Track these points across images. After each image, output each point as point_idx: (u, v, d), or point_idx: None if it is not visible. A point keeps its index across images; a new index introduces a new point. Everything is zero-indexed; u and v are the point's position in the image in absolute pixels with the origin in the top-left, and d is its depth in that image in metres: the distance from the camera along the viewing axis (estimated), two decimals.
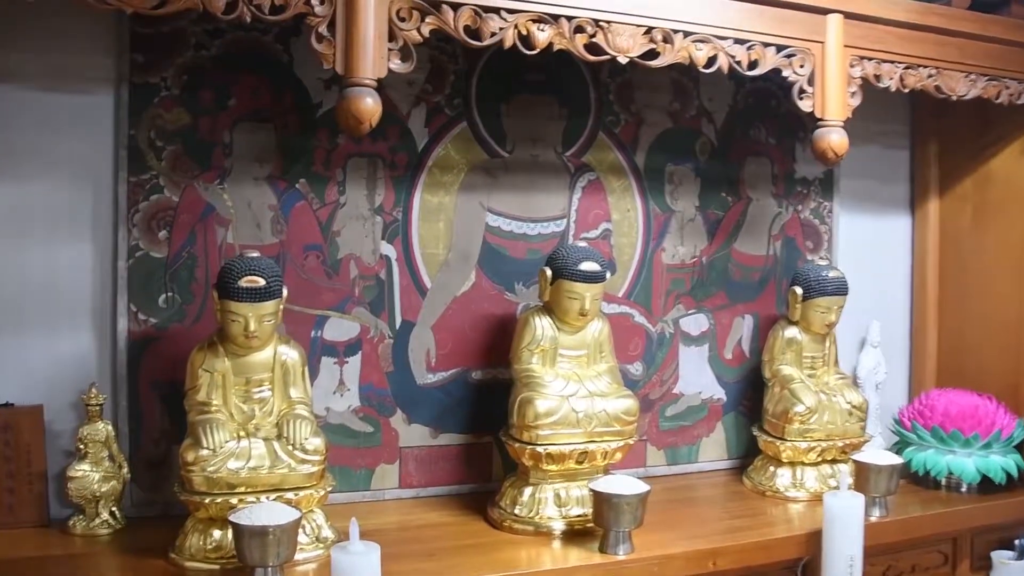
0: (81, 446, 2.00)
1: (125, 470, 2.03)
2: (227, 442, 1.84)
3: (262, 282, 1.86)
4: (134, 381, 2.09)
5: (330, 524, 1.94)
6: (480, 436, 2.31)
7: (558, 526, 2.03)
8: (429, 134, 2.25)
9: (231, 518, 1.70)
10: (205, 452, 1.81)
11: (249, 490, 1.83)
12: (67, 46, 2.04)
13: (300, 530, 1.83)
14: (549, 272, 2.10)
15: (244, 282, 1.85)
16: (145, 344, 2.09)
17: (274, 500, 1.80)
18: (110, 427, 2.02)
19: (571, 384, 2.09)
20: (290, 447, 1.86)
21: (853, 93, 2.08)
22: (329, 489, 1.92)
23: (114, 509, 2.02)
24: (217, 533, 1.82)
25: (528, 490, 2.07)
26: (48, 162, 2.04)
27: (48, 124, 2.04)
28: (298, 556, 1.82)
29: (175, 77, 2.07)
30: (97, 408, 2.01)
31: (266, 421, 1.93)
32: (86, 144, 2.06)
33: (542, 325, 2.12)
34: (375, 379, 2.23)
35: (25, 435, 2.02)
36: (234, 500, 1.80)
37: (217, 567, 1.81)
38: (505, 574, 1.85)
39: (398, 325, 2.24)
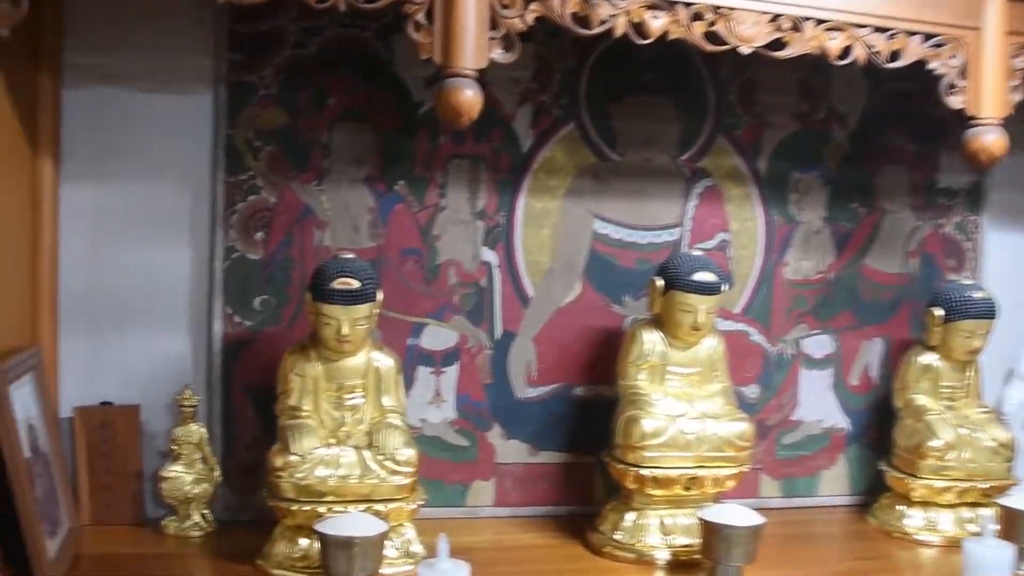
0: (174, 447, 1.96)
1: (217, 473, 1.99)
2: (316, 448, 1.76)
3: (356, 284, 1.79)
4: (228, 384, 2.05)
5: (420, 539, 1.85)
6: (581, 456, 2.19)
7: (662, 556, 1.90)
8: (535, 135, 2.15)
9: (317, 527, 1.63)
10: (294, 458, 1.75)
11: (337, 499, 1.76)
12: (167, 47, 2.03)
13: (388, 544, 1.74)
14: (660, 282, 1.96)
15: (337, 284, 1.78)
16: (240, 347, 2.05)
17: (362, 511, 1.72)
18: (203, 429, 1.98)
19: (681, 404, 1.95)
20: (380, 457, 1.78)
21: (1015, 87, 1.83)
22: (420, 503, 1.83)
23: (205, 512, 1.98)
24: (304, 542, 1.76)
25: (631, 515, 1.94)
26: (148, 163, 2.03)
27: (148, 125, 2.03)
28: (385, 570, 1.74)
29: (273, 76, 2.03)
30: (191, 409, 1.97)
31: (357, 429, 1.85)
32: (185, 145, 2.04)
33: (651, 340, 1.99)
34: (473, 391, 2.14)
35: (121, 434, 2.00)
36: (322, 509, 1.73)
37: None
38: None
39: (498, 335, 2.15)
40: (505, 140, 2.13)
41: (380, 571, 1.70)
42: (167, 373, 2.05)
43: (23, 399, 1.73)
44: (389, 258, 2.09)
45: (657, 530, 1.92)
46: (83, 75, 1.99)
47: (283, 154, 2.05)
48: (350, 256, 1.84)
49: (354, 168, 2.08)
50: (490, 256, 2.14)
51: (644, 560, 1.89)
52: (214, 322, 2.04)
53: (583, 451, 2.18)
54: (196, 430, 1.98)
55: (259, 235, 2.05)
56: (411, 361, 2.11)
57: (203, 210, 2.06)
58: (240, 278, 2.04)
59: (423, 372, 2.12)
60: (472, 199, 2.12)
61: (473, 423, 2.14)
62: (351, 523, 1.63)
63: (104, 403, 2.02)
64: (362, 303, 1.80)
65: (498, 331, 2.15)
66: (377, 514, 1.73)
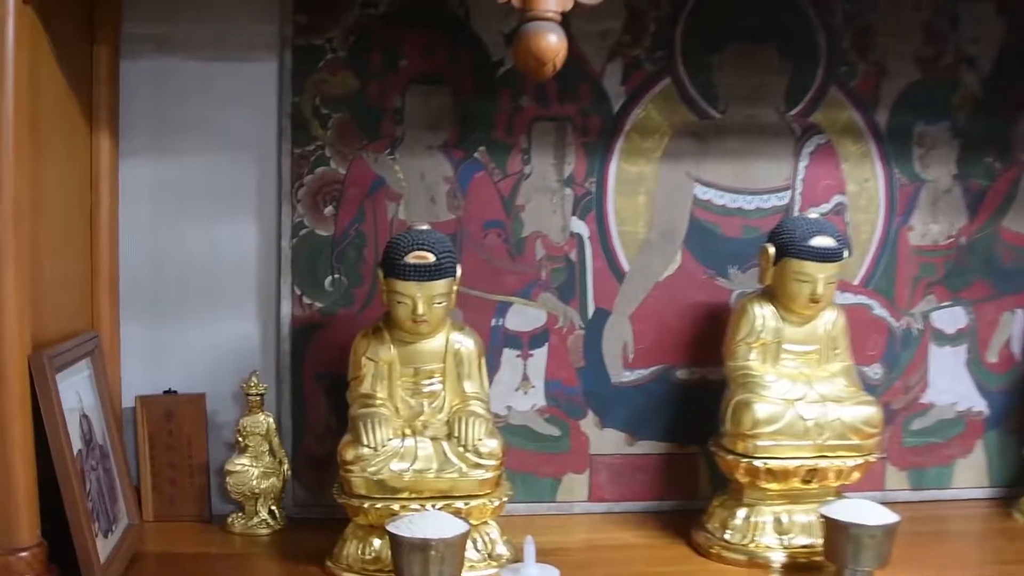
0: (240, 439, 1.82)
1: (286, 466, 1.84)
2: (390, 440, 1.59)
3: (432, 258, 1.61)
4: (298, 371, 1.90)
5: (506, 540, 1.67)
6: (684, 446, 1.98)
7: (778, 557, 1.68)
8: (626, 93, 1.94)
9: (388, 527, 1.46)
10: (366, 450, 1.58)
11: (413, 496, 1.59)
12: (228, 13, 1.88)
13: (469, 545, 1.57)
14: (772, 249, 1.74)
15: (411, 258, 1.61)
16: (310, 331, 1.89)
17: (440, 509, 1.55)
18: (271, 419, 1.83)
19: (798, 386, 1.73)
20: (461, 448, 1.60)
21: None
22: (505, 499, 1.65)
23: (273, 508, 1.83)
24: (377, 543, 1.60)
25: (742, 512, 1.73)
26: (209, 136, 1.90)
27: (209, 96, 1.89)
28: (466, 575, 1.56)
29: (341, 38, 1.87)
30: (257, 398, 1.82)
31: (436, 418, 1.68)
32: (248, 115, 1.90)
33: (763, 314, 1.77)
34: (564, 375, 1.95)
35: (187, 425, 1.87)
36: (395, 506, 1.57)
37: None
38: None
39: (591, 314, 1.95)
40: (594, 99, 1.93)
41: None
42: (233, 359, 1.92)
43: (77, 387, 1.60)
44: (469, 231, 1.91)
45: (772, 529, 1.71)
46: (141, 45, 1.87)
47: (353, 122, 1.89)
48: (425, 228, 1.67)
49: (430, 134, 1.91)
50: (580, 227, 1.94)
51: (757, 562, 1.68)
52: (282, 304, 1.89)
53: (686, 440, 1.98)
54: (263, 420, 1.83)
55: (328, 209, 1.89)
56: (495, 344, 1.93)
57: (269, 184, 1.91)
58: (309, 256, 1.89)
59: (509, 355, 1.94)
60: (559, 165, 1.93)
61: (564, 411, 1.95)
62: (428, 523, 1.46)
63: (168, 392, 1.90)
64: (439, 279, 1.62)
65: (590, 309, 1.95)
66: (457, 512, 1.56)
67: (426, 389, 1.70)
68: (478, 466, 1.61)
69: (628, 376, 1.97)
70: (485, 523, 1.66)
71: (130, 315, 1.90)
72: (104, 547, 1.54)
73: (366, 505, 1.58)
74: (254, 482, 1.81)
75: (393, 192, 1.90)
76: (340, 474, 1.61)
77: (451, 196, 1.91)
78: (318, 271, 1.89)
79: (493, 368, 1.92)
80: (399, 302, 1.63)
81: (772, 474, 1.67)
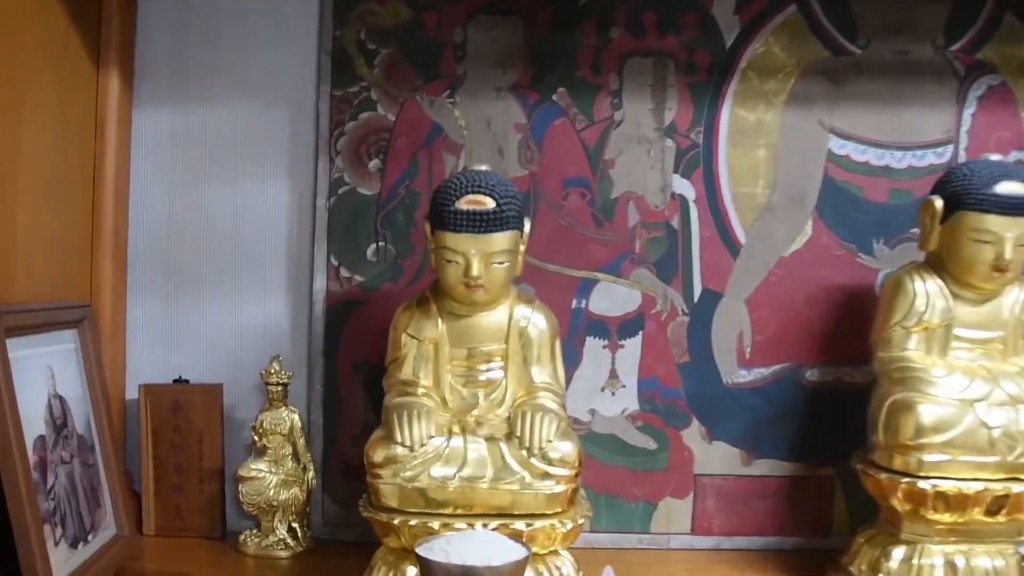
0: (257, 438, 1.46)
1: (311, 474, 1.49)
2: (432, 438, 1.22)
3: (491, 203, 1.25)
4: (332, 359, 1.55)
5: (582, 574, 1.26)
6: (815, 467, 1.56)
7: None
8: (742, 24, 1.56)
9: (419, 550, 1.08)
10: (400, 450, 1.22)
11: (460, 512, 1.22)
12: None
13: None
14: (940, 203, 1.33)
15: (465, 203, 1.25)
16: (348, 310, 1.55)
17: (495, 530, 1.16)
18: (296, 416, 1.49)
19: (977, 383, 1.30)
20: (525, 452, 1.22)
21: None
22: (581, 521, 1.26)
23: (295, 525, 1.48)
24: (412, 572, 1.21)
25: (899, 552, 1.30)
26: (237, 80, 1.60)
27: (238, 34, 1.61)
28: None
29: None
30: (279, 389, 1.48)
31: (494, 413, 1.31)
32: (282, 54, 1.60)
33: (926, 290, 1.35)
34: (662, 372, 1.55)
35: (198, 420, 1.54)
36: (435, 524, 1.19)
37: None
38: None
39: (697, 296, 1.55)
40: (702, 31, 1.56)
41: None
42: (258, 344, 1.58)
43: (49, 360, 1.30)
44: (546, 191, 1.54)
45: (942, 575, 1.26)
46: None
47: (405, 59, 1.56)
48: (484, 168, 1.31)
49: (498, 74, 1.56)
50: (684, 187, 1.55)
51: None
52: (315, 277, 1.55)
53: (818, 460, 1.56)
54: (286, 416, 1.49)
55: (374, 163, 1.54)
56: (576, 330, 1.55)
57: (304, 134, 1.58)
58: (349, 219, 1.55)
59: (593, 345, 1.55)
60: (657, 111, 1.55)
61: (663, 418, 1.55)
62: (473, 546, 1.07)
63: (178, 380, 1.56)
64: (500, 230, 1.26)
65: (696, 290, 1.55)
66: (517, 535, 1.17)
67: (483, 376, 1.33)
68: (546, 476, 1.22)
69: (744, 376, 1.56)
70: (555, 552, 1.27)
71: (138, 289, 1.59)
72: (67, 558, 1.21)
73: (397, 521, 1.21)
74: (271, 492, 1.47)
75: (452, 142, 1.55)
76: (368, 481, 1.25)
77: (523, 148, 1.55)
78: (359, 238, 1.55)
79: (573, 361, 1.54)
80: (448, 260, 1.27)
81: (944, 500, 1.25)
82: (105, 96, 1.54)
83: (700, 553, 1.55)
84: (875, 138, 1.56)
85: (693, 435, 1.56)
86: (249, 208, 1.59)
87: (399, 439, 1.22)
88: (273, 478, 1.47)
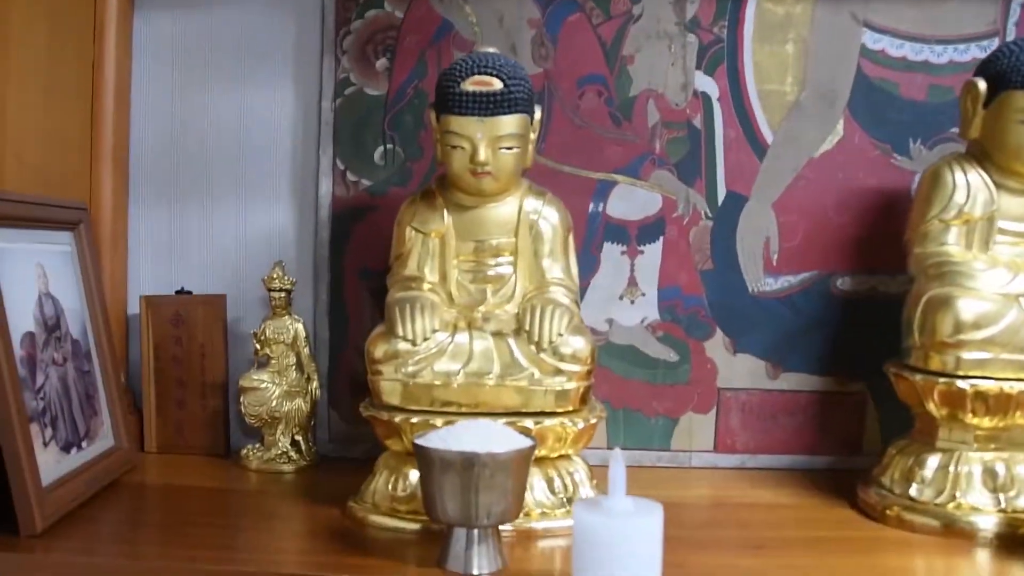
0: (259, 346, 1.40)
1: (315, 384, 1.42)
2: (435, 332, 1.15)
3: (498, 85, 1.17)
4: (338, 266, 1.49)
5: (595, 484, 1.19)
6: (847, 381, 1.47)
7: (987, 524, 1.16)
8: None
9: (416, 440, 1.01)
10: (401, 345, 1.14)
11: (465, 409, 1.15)
12: None
13: (542, 484, 1.12)
14: (983, 85, 1.23)
15: (471, 84, 1.18)
16: (354, 215, 1.48)
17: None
18: (300, 325, 1.42)
19: (1022, 277, 1.20)
20: (533, 347, 1.14)
21: None
22: (594, 421, 1.18)
23: (298, 438, 1.42)
24: (414, 475, 1.14)
25: (934, 459, 1.21)
26: None
27: None
28: (536, 524, 1.11)
29: None
30: (282, 295, 1.42)
31: (502, 309, 1.23)
32: None
33: (967, 181, 1.26)
34: (684, 280, 1.47)
35: (200, 333, 1.47)
36: (438, 422, 1.11)
37: (412, 526, 1.13)
38: None
39: (721, 199, 1.47)
40: None
41: (526, 520, 1.09)
42: (263, 254, 1.53)
43: (39, 257, 1.24)
44: (561, 89, 1.46)
45: (980, 484, 1.19)
46: None
47: None
48: (491, 50, 1.23)
49: None
50: (707, 84, 1.47)
51: (957, 530, 1.16)
52: (321, 181, 1.48)
53: (849, 374, 1.47)
54: (290, 325, 1.43)
55: (381, 62, 1.47)
56: (593, 235, 1.47)
57: (309, 34, 1.51)
58: (355, 121, 1.48)
59: (611, 252, 1.47)
60: (679, 4, 1.47)
61: (684, 328, 1.47)
62: (474, 435, 1.00)
63: (180, 291, 1.50)
64: (508, 113, 1.18)
65: (720, 193, 1.47)
66: (526, 433, 1.09)
67: (491, 271, 1.26)
68: (557, 372, 1.15)
69: (771, 284, 1.47)
70: (567, 457, 1.20)
71: (140, 197, 1.54)
72: (57, 460, 1.16)
73: (398, 419, 1.14)
74: (274, 403, 1.41)
75: (463, 39, 1.47)
76: (368, 379, 1.18)
77: (537, 44, 1.47)
78: (366, 140, 1.48)
79: (590, 267, 1.47)
80: (454, 146, 1.19)
81: (984, 401, 1.16)
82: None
83: (723, 472, 1.47)
84: (912, 31, 1.46)
85: (716, 346, 1.48)
86: (253, 112, 1.53)
87: (400, 333, 1.16)
88: (276, 389, 1.41)
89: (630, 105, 1.47)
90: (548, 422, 1.14)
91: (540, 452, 1.14)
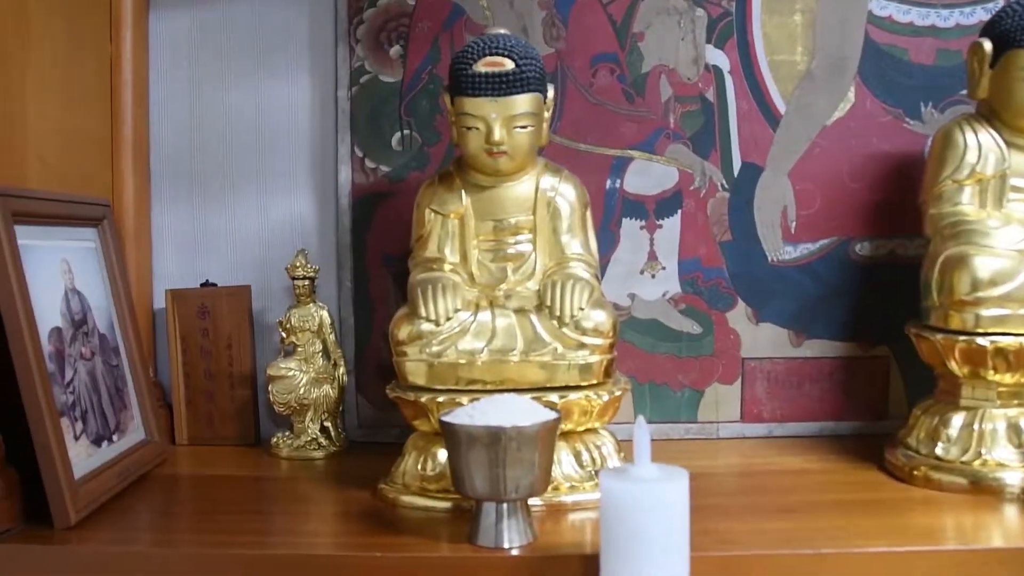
0: (285, 335, 1.42)
1: (341, 370, 1.44)
2: (458, 311, 1.16)
3: (510, 65, 1.18)
4: (361, 253, 1.50)
5: (623, 457, 1.21)
6: (870, 346, 1.48)
7: (1015, 480, 1.16)
8: None
9: (443, 417, 1.02)
10: (424, 325, 1.16)
11: (490, 386, 1.16)
12: None
13: (570, 458, 1.13)
14: (988, 45, 1.24)
15: (482, 65, 1.19)
16: (374, 201, 1.50)
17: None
18: (325, 312, 1.44)
19: None
20: (555, 322, 1.16)
21: None
22: (619, 393, 1.19)
23: (327, 424, 1.43)
24: (442, 454, 1.15)
25: (958, 418, 1.22)
26: None
27: None
28: (565, 498, 1.12)
29: None
30: (306, 283, 1.43)
31: (523, 287, 1.24)
32: None
33: (977, 141, 1.26)
34: (704, 252, 1.48)
35: (226, 324, 1.49)
36: (464, 400, 1.13)
37: (443, 504, 1.14)
38: (925, 548, 1.00)
39: (736, 170, 1.48)
40: None
41: (555, 494, 1.10)
42: (286, 244, 1.54)
43: (65, 253, 1.26)
44: (574, 69, 1.47)
45: (1005, 439, 1.19)
46: None
47: None
48: (502, 31, 1.24)
49: None
50: (718, 57, 1.47)
51: (984, 486, 1.17)
52: (340, 170, 1.50)
53: (873, 338, 1.48)
54: (315, 313, 1.44)
55: (395, 49, 1.48)
56: (611, 211, 1.48)
57: (323, 24, 1.52)
58: (372, 109, 1.49)
59: (630, 227, 1.49)
60: None
61: (706, 300, 1.48)
62: (500, 409, 1.02)
63: (205, 284, 1.52)
64: (520, 92, 1.19)
65: (736, 164, 1.48)
66: (551, 408, 1.11)
67: (511, 250, 1.27)
68: (580, 346, 1.17)
69: (790, 252, 1.48)
70: (593, 431, 1.21)
71: (162, 192, 1.56)
72: (88, 454, 1.17)
73: (424, 399, 1.16)
74: (302, 390, 1.43)
75: (474, 24, 1.48)
76: (394, 360, 1.20)
77: (548, 25, 1.48)
78: (383, 127, 1.49)
79: (610, 243, 1.48)
80: (469, 127, 1.21)
81: (1004, 358, 1.16)
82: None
83: (751, 441, 1.48)
84: None
85: (739, 317, 1.48)
86: (270, 104, 1.55)
87: (423, 313, 1.17)
88: (303, 376, 1.43)
89: (643, 81, 1.47)
90: (573, 396, 1.16)
91: (566, 426, 1.16)
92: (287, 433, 1.44)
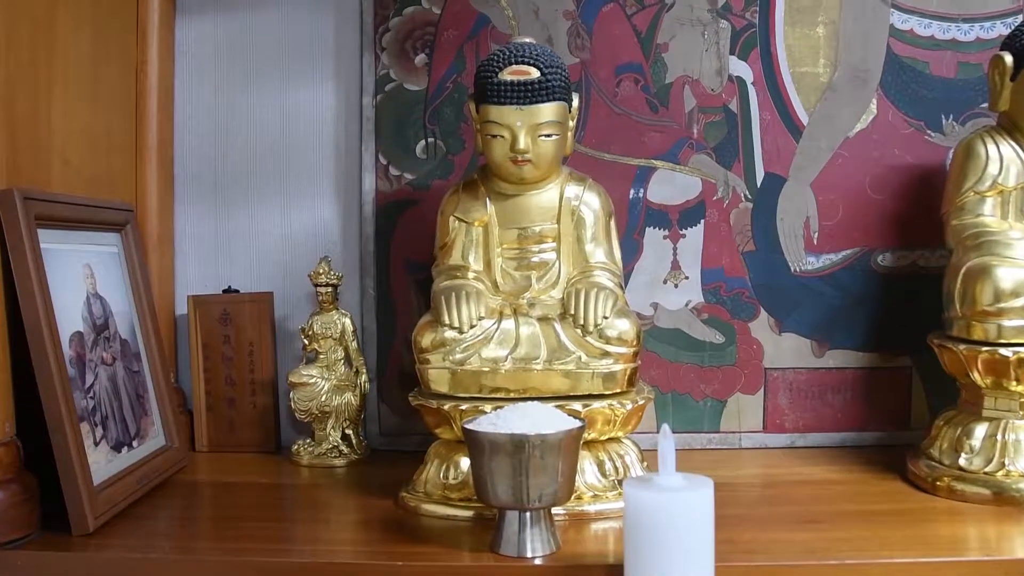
0: (307, 342, 1.42)
1: (363, 378, 1.44)
2: (481, 319, 1.17)
3: (535, 73, 1.19)
4: (384, 260, 1.51)
5: (646, 467, 1.21)
6: (892, 356, 1.48)
7: None
8: None
9: (466, 424, 1.02)
10: (448, 333, 1.17)
11: (513, 395, 1.17)
12: None
13: (593, 467, 1.14)
14: (1009, 59, 1.24)
15: (508, 74, 1.19)
16: (399, 209, 1.50)
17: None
18: (347, 319, 1.44)
19: None
20: (579, 330, 1.16)
21: None
22: (642, 402, 1.19)
23: (349, 432, 1.44)
24: (464, 463, 1.16)
25: (981, 428, 1.22)
26: None
27: None
28: (588, 507, 1.12)
29: None
30: (328, 291, 1.44)
31: (548, 295, 1.24)
32: None
33: (999, 153, 1.26)
34: (727, 262, 1.48)
35: (248, 330, 1.50)
36: (487, 408, 1.13)
37: (465, 513, 1.14)
38: (948, 559, 1.00)
39: (759, 181, 1.48)
40: None
41: (578, 503, 1.10)
42: (309, 251, 1.55)
43: (87, 259, 1.27)
44: (599, 79, 1.48)
45: None
46: None
47: None
48: (527, 40, 1.25)
49: None
50: (741, 69, 1.48)
51: (1007, 497, 1.17)
52: (364, 177, 1.50)
53: (895, 349, 1.48)
54: (337, 320, 1.45)
55: (420, 58, 1.49)
56: (635, 221, 1.48)
57: (349, 32, 1.54)
58: (396, 117, 1.50)
59: (653, 236, 1.49)
60: None
61: (729, 309, 1.49)
62: (523, 417, 1.02)
63: (227, 290, 1.53)
64: (546, 101, 1.20)
65: (759, 175, 1.48)
66: (575, 416, 1.11)
67: (535, 258, 1.27)
68: (604, 354, 1.17)
69: (813, 263, 1.48)
70: (616, 440, 1.21)
71: (186, 198, 1.57)
72: (108, 459, 1.18)
73: (447, 407, 1.16)
74: (324, 397, 1.43)
75: (500, 33, 1.49)
76: (417, 368, 1.20)
77: (573, 35, 1.48)
78: (408, 135, 1.50)
79: (633, 253, 1.48)
80: (494, 136, 1.21)
81: None
82: (146, 4, 1.51)
83: (774, 451, 1.48)
84: (939, 10, 1.47)
85: (762, 327, 1.48)
86: (295, 110, 1.56)
87: (447, 321, 1.18)
88: (325, 384, 1.43)
89: (666, 92, 1.48)
90: (596, 404, 1.16)
91: (590, 435, 1.16)
92: (308, 440, 1.45)
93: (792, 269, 1.48)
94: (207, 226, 1.57)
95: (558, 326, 1.18)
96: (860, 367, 1.48)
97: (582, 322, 1.17)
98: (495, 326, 1.18)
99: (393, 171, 1.50)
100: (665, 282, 1.48)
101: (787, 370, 1.48)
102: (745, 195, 1.48)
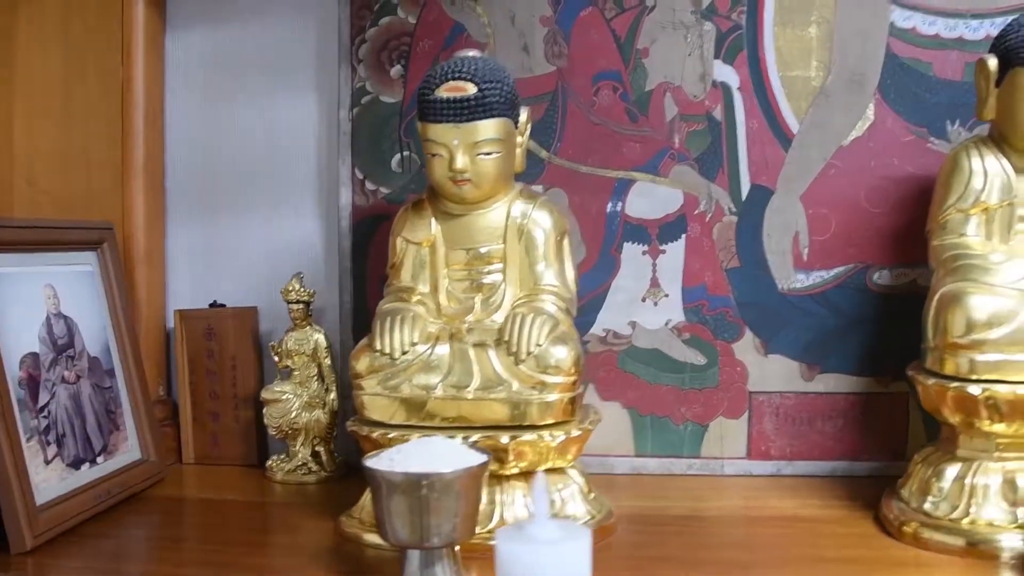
0: (277, 359, 1.42)
1: (332, 395, 1.43)
2: (414, 345, 1.13)
3: (472, 89, 1.14)
4: (360, 275, 1.49)
5: (594, 497, 1.16)
6: (888, 382, 1.38)
7: (1010, 543, 1.06)
8: None
9: (366, 461, 0.99)
10: (381, 359, 1.13)
11: (445, 423, 1.12)
12: None
13: (525, 496, 1.09)
14: (993, 63, 1.13)
15: (444, 90, 1.15)
16: (375, 224, 1.48)
17: (475, 443, 1.07)
18: (321, 335, 1.44)
19: None
20: (511, 356, 1.11)
21: None
22: (577, 433, 1.14)
23: (319, 449, 1.42)
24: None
25: (951, 470, 1.12)
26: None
27: None
28: None
29: None
30: (300, 307, 1.43)
31: (490, 319, 1.20)
32: None
33: (983, 167, 1.16)
34: (710, 280, 1.41)
35: (231, 345, 1.51)
36: (414, 437, 1.09)
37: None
38: None
39: (745, 193, 1.40)
40: None
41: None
42: (292, 265, 1.53)
43: (51, 279, 1.29)
44: (576, 87, 1.42)
45: (998, 496, 1.09)
46: None
47: None
48: (471, 53, 1.20)
49: None
50: (726, 73, 1.40)
51: (976, 548, 1.07)
52: (341, 192, 1.49)
53: (890, 373, 1.38)
54: (311, 336, 1.44)
55: (396, 69, 1.47)
56: (612, 236, 1.43)
57: (329, 43, 1.51)
58: (372, 130, 1.48)
59: (632, 252, 1.42)
60: None
61: (712, 329, 1.41)
62: (427, 454, 0.98)
63: (213, 304, 1.54)
64: (482, 118, 1.15)
65: (744, 187, 1.40)
66: (501, 450, 1.07)
67: (485, 280, 1.23)
68: (538, 384, 1.11)
69: (803, 280, 1.39)
70: (559, 471, 1.16)
71: (177, 213, 1.59)
72: (62, 477, 1.20)
73: (376, 435, 1.13)
74: (294, 414, 1.42)
75: (475, 42, 1.45)
76: (352, 394, 1.18)
77: (550, 42, 1.43)
78: (383, 148, 1.48)
79: (610, 269, 1.42)
80: (434, 154, 1.18)
81: (996, 409, 1.06)
82: (131, 22, 1.53)
83: (758, 480, 1.40)
84: (944, 7, 1.35)
85: (746, 348, 1.40)
86: (279, 125, 1.56)
87: (378, 346, 1.15)
88: (296, 400, 1.43)
89: (646, 100, 1.41)
90: (525, 436, 1.11)
91: (518, 467, 1.11)
92: (282, 456, 1.45)
93: (779, 287, 1.39)
94: (198, 240, 1.58)
95: (492, 353, 1.14)
96: (853, 392, 1.38)
97: (515, 349, 1.13)
98: (429, 352, 1.15)
99: (369, 185, 1.48)
100: (644, 300, 1.42)
101: (773, 394, 1.40)
102: (729, 208, 1.40)
